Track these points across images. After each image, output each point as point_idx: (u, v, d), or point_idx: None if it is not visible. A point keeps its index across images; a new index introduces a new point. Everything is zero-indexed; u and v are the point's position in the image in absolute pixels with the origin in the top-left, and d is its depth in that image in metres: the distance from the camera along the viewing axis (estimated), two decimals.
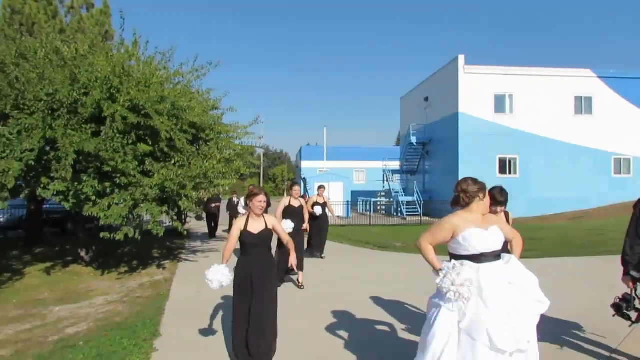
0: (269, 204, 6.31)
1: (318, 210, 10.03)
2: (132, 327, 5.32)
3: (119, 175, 8.19)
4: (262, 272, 4.10)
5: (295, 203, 7.82)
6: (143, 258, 10.90)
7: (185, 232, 10.54)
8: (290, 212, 7.55)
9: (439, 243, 3.13)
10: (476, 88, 23.90)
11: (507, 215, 4.50)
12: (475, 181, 3.22)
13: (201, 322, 5.30)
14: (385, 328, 5.16)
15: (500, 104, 24.25)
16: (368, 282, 7.75)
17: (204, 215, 13.12)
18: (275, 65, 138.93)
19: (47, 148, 8.39)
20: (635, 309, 3.60)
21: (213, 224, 15.20)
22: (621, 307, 3.61)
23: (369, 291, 6.81)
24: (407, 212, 26.39)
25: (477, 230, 3.00)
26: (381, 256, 11.19)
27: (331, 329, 5.11)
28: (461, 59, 24.08)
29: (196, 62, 10.35)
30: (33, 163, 8.07)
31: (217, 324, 5.31)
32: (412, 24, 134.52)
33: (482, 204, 3.12)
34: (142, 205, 8.25)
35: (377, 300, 6.32)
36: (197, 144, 10.04)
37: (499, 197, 4.24)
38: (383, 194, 32.73)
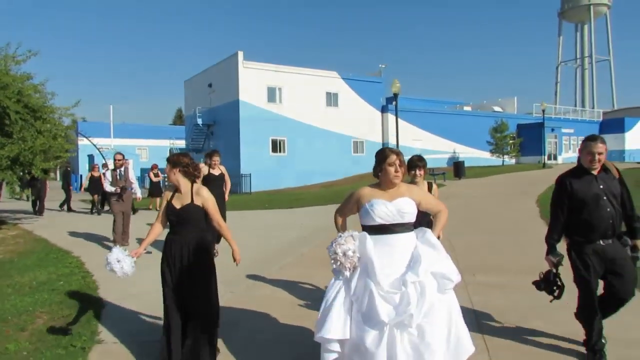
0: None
1: None
2: (45, 251, 7.78)
3: None
4: (185, 253, 3.46)
5: (216, 171, 7.53)
6: None
7: None
8: (210, 181, 7.16)
9: (347, 215, 3.22)
10: (253, 80, 28.55)
11: (430, 185, 4.55)
12: (382, 151, 3.10)
13: (98, 243, 8.03)
14: None
15: (272, 95, 29.52)
16: None
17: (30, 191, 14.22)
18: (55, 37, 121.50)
19: None
20: (557, 285, 3.58)
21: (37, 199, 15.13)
22: (540, 285, 3.66)
23: None
24: None
25: (379, 201, 2.96)
26: None
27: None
28: (240, 54, 28.34)
29: (14, 49, 11.84)
30: None
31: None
32: (197, 15, 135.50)
33: (386, 175, 2.98)
34: None
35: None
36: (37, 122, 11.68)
37: (416, 162, 4.38)
38: None
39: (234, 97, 28.69)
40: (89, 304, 4.95)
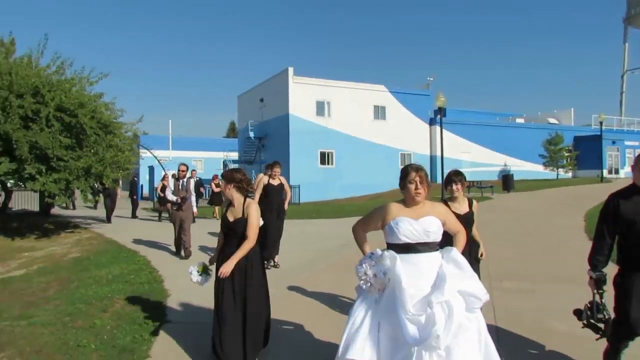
0: None
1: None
2: (116, 251, 8.80)
3: (54, 159, 10.98)
4: (240, 267, 3.71)
5: (275, 182, 7.56)
6: (40, 230, 13.11)
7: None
8: (270, 191, 7.38)
9: (370, 229, 3.16)
10: (302, 95, 29.63)
11: (470, 202, 4.43)
12: (404, 169, 3.08)
13: (162, 246, 8.98)
14: None
15: (320, 108, 30.45)
16: None
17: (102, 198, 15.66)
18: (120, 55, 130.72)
19: None
20: (598, 319, 3.17)
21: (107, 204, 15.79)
22: (581, 316, 3.27)
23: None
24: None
25: (405, 219, 2.93)
26: None
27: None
28: (290, 70, 29.51)
29: (88, 72, 13.25)
30: None
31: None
32: (249, 30, 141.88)
33: (408, 192, 2.98)
34: (74, 182, 11.24)
35: None
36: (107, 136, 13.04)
37: (452, 177, 4.30)
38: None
39: (284, 111, 29.83)
40: (157, 293, 5.77)
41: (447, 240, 3.15)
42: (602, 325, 3.16)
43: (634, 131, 42.87)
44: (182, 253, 8.51)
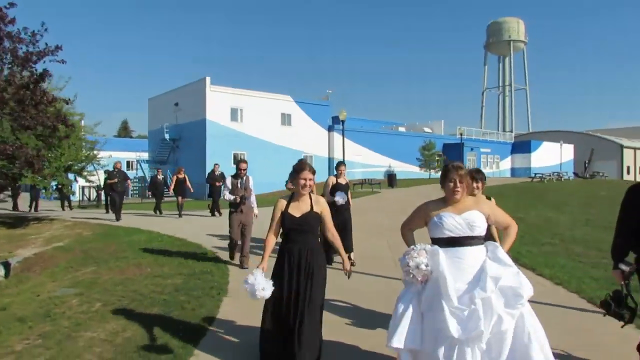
0: None
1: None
2: (122, 228, 11.89)
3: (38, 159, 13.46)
4: (305, 261, 3.58)
5: (342, 180, 7.75)
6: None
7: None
8: (337, 189, 7.66)
9: (415, 228, 3.30)
10: (218, 102, 32.85)
11: (488, 199, 4.37)
12: (445, 167, 3.21)
13: (156, 225, 12.30)
14: None
15: (234, 115, 33.93)
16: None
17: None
18: None
19: None
20: (628, 308, 3.17)
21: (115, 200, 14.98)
22: (610, 305, 3.22)
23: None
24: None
25: (448, 214, 3.04)
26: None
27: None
28: (208, 79, 32.59)
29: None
30: None
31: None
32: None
33: (447, 190, 3.10)
34: (58, 178, 13.90)
35: None
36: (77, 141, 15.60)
37: (475, 175, 4.31)
38: (136, 180, 38.28)
39: (201, 116, 32.80)
40: (197, 245, 9.37)
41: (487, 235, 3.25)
42: (628, 314, 3.21)
43: (487, 140, 52.78)
44: (238, 261, 7.81)
